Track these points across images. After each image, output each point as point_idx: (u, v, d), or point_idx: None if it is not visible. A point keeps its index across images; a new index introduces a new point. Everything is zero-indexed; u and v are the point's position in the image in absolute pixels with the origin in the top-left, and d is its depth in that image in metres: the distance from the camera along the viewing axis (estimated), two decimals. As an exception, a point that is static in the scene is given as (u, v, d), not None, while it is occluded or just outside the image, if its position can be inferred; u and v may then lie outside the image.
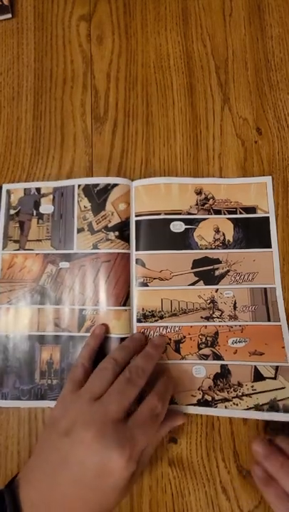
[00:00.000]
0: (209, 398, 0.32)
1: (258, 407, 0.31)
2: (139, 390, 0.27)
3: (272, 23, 0.41)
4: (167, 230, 0.35)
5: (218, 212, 0.36)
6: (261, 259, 0.35)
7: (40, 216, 0.37)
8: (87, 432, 0.24)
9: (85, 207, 0.36)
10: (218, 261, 0.35)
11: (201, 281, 0.35)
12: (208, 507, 0.31)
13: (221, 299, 0.34)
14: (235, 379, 0.32)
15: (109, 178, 0.37)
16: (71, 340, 0.34)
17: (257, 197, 0.36)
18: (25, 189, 0.38)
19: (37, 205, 0.37)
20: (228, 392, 0.32)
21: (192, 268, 0.35)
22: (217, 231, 0.36)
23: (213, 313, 0.34)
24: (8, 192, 0.38)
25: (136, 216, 0.36)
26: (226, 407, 0.32)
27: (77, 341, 0.34)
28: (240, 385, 0.32)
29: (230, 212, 0.36)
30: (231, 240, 0.35)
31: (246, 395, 0.32)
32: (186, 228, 0.36)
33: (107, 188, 0.36)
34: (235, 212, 0.36)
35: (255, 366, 0.32)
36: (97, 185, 0.36)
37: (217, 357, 0.33)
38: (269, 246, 0.35)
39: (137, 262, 0.35)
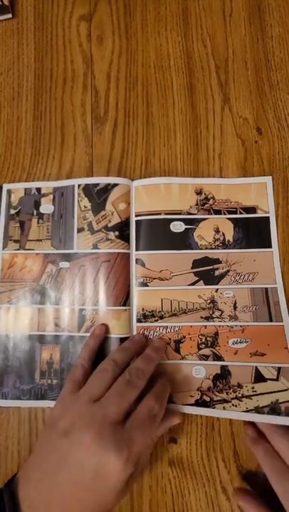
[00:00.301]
0: (207, 399, 0.32)
1: (258, 410, 0.31)
2: (138, 393, 0.27)
3: (273, 23, 0.41)
4: (167, 229, 0.35)
5: (218, 212, 0.36)
6: (261, 259, 0.35)
7: (40, 216, 0.37)
8: (86, 433, 0.24)
9: (85, 207, 0.36)
10: (218, 261, 0.35)
11: (201, 281, 0.35)
12: (208, 507, 0.31)
13: (221, 299, 0.34)
14: (235, 380, 0.32)
15: (109, 178, 0.37)
16: (71, 340, 0.34)
17: (257, 197, 0.36)
18: (25, 189, 0.38)
19: (37, 205, 0.37)
20: (227, 393, 0.32)
21: (192, 268, 0.35)
22: (217, 231, 0.36)
23: (213, 313, 0.34)
24: (9, 192, 0.38)
25: (136, 216, 0.36)
26: (224, 408, 0.31)
27: (77, 341, 0.34)
28: (239, 386, 0.32)
29: (230, 212, 0.36)
30: (231, 240, 0.35)
31: (246, 397, 0.31)
32: (186, 228, 0.36)
33: (107, 188, 0.36)
34: (235, 212, 0.36)
35: (256, 367, 0.32)
36: (97, 185, 0.36)
37: (217, 357, 0.33)
38: (269, 246, 0.35)
39: (136, 262, 0.35)
